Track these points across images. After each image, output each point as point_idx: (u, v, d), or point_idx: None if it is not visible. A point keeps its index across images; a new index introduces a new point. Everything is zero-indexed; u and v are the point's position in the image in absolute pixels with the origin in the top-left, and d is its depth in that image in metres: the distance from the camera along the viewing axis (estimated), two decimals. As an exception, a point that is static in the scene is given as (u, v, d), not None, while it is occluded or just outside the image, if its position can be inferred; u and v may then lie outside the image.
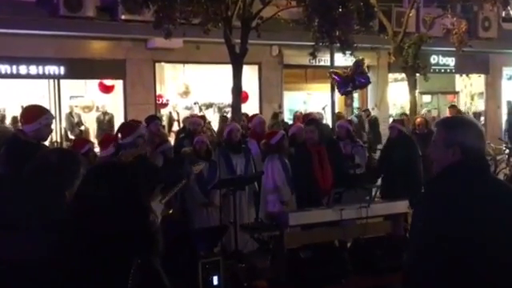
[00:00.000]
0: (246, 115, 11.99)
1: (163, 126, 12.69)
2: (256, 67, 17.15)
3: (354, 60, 12.57)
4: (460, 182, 2.54)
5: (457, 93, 22.36)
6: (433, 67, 19.90)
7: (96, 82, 15.57)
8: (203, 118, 9.53)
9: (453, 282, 2.44)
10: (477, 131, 2.62)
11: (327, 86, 13.91)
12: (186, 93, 16.50)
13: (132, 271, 1.91)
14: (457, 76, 22.06)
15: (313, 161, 6.97)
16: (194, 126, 8.78)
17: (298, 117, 11.53)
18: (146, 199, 2.04)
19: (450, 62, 20.65)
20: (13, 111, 13.70)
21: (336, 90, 13.25)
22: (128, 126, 7.00)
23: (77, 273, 1.91)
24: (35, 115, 4.62)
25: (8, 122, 14.00)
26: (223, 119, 13.93)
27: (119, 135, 6.75)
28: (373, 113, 18.37)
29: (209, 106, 17.13)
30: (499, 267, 2.41)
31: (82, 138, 11.26)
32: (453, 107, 15.89)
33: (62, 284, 1.92)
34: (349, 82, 12.41)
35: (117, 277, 1.91)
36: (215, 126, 12.21)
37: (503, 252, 2.43)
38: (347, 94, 14.08)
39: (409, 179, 8.14)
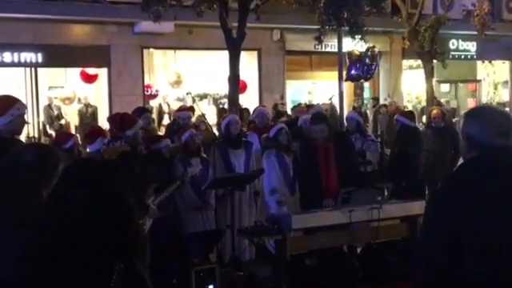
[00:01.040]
0: (240, 109, 11.96)
1: (153, 120, 12.67)
2: (255, 54, 17.13)
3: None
4: (468, 180, 2.58)
5: (478, 81, 22.35)
6: (452, 53, 19.88)
7: (77, 70, 15.55)
8: (191, 109, 9.48)
9: (455, 281, 2.49)
10: (491, 124, 2.60)
11: (334, 75, 13.88)
12: (177, 82, 16.47)
13: (114, 277, 1.90)
14: (478, 63, 22.04)
15: (318, 158, 6.93)
16: (184, 119, 8.76)
17: (302, 110, 11.47)
18: (132, 199, 2.03)
19: (471, 47, 20.63)
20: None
21: (344, 79, 13.29)
22: (129, 117, 6.99)
23: (53, 279, 1.90)
24: (5, 106, 4.59)
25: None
26: (221, 112, 13.93)
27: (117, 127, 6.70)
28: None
29: (203, 96, 17.12)
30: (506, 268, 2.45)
31: (66, 132, 11.24)
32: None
33: None
34: (357, 67, 12.48)
35: (97, 283, 1.90)
36: (209, 118, 12.19)
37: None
38: (352, 81, 14.14)
39: (407, 176, 8.21)
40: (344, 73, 13.18)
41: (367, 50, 13.11)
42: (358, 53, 12.78)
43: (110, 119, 7.86)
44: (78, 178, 1.99)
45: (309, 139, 7.22)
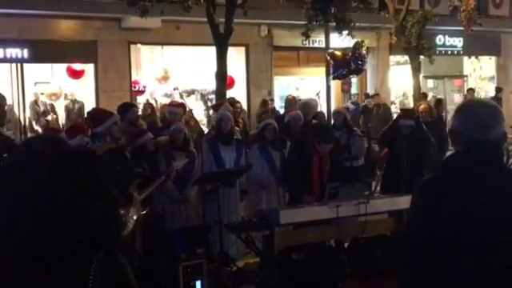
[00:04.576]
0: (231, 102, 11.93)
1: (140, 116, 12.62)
2: (243, 49, 17.10)
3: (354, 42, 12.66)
4: (449, 174, 2.59)
5: (465, 77, 22.46)
6: (438, 48, 19.95)
7: (64, 66, 15.44)
8: (182, 105, 9.48)
9: (439, 273, 2.51)
10: (472, 117, 2.60)
11: (322, 70, 13.90)
12: (164, 78, 16.41)
13: (93, 266, 1.90)
14: (465, 58, 22.15)
15: (313, 161, 6.91)
16: (171, 115, 8.75)
17: (290, 101, 11.49)
18: (115, 191, 2.03)
19: (458, 42, 20.71)
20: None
21: (332, 75, 13.29)
22: (100, 112, 6.94)
23: (33, 267, 1.89)
24: None
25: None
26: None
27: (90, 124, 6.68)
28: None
29: (190, 92, 17.08)
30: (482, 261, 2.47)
31: (54, 128, 11.20)
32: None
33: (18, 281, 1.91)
34: (344, 65, 12.48)
35: (77, 271, 1.90)
36: (197, 114, 12.17)
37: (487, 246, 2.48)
38: (340, 79, 14.16)
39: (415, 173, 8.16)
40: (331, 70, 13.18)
41: (355, 44, 13.12)
42: (339, 53, 12.78)
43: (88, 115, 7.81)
44: (62, 169, 1.98)
45: (303, 139, 7.18)
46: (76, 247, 1.89)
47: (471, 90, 17.29)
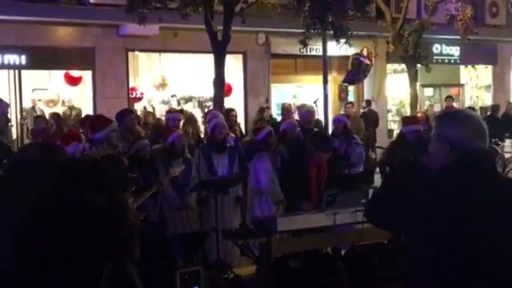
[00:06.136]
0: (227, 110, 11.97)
1: (138, 122, 12.62)
2: (240, 57, 17.12)
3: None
4: (453, 185, 2.59)
5: (462, 85, 22.51)
6: (435, 57, 20.01)
7: (62, 72, 15.45)
8: (181, 111, 9.52)
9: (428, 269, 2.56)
10: (471, 127, 2.64)
11: (319, 78, 13.94)
12: (162, 85, 16.42)
13: (104, 276, 1.90)
14: (462, 67, 22.20)
15: (310, 168, 6.91)
16: (175, 121, 8.77)
17: (287, 109, 11.52)
18: (120, 198, 2.03)
19: (455, 51, 20.77)
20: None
21: (329, 83, 13.36)
22: (100, 119, 6.93)
23: (46, 276, 1.89)
24: None
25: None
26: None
27: (88, 130, 6.68)
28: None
29: (188, 99, 17.10)
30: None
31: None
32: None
33: None
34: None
35: (87, 282, 1.90)
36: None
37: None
38: (349, 84, 14.26)
39: None
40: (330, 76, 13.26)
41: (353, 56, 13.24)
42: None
43: (81, 122, 7.80)
44: (73, 177, 1.98)
45: (301, 148, 7.17)
46: (85, 256, 1.89)
47: (450, 98, 17.29)
